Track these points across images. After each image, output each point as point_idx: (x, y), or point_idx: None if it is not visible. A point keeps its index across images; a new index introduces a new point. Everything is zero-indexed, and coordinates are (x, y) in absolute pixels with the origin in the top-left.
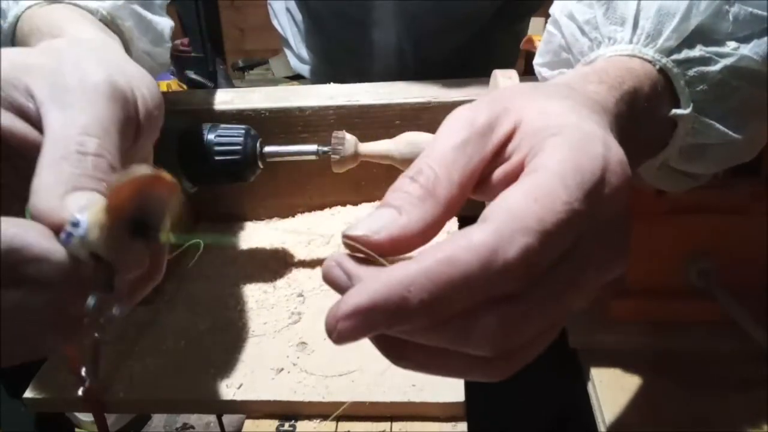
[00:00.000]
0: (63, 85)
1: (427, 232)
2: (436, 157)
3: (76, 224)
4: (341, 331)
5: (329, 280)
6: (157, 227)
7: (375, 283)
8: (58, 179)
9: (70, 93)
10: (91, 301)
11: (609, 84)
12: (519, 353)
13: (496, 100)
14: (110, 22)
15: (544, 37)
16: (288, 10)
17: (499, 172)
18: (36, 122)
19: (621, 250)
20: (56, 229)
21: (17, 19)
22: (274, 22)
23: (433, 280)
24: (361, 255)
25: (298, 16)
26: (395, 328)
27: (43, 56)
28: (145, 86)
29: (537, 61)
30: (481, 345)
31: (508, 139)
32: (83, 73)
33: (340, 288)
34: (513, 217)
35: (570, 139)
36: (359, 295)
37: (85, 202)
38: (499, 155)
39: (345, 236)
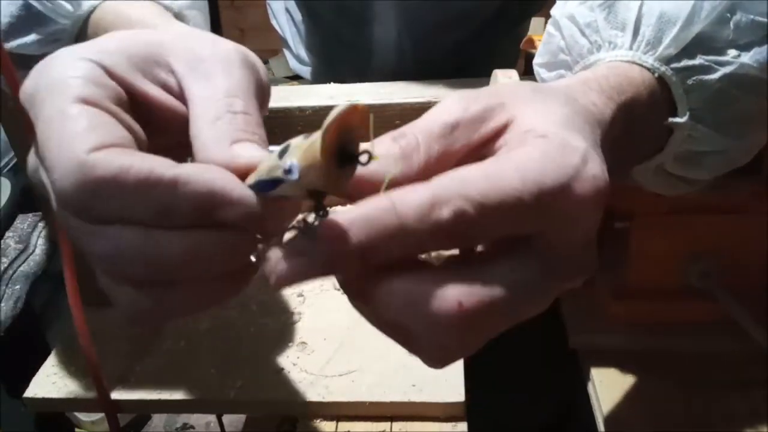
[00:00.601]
0: (199, 58)
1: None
2: (422, 127)
3: (289, 171)
4: (282, 271)
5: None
6: (356, 152)
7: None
8: (220, 135)
9: (206, 63)
10: (315, 222)
11: (608, 94)
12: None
13: (496, 94)
14: (181, 19)
15: (544, 37)
16: (287, 10)
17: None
18: (178, 96)
19: (581, 266)
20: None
21: (93, 8)
22: (273, 22)
23: (371, 225)
24: None
25: (297, 16)
26: (331, 271)
27: (169, 35)
28: (256, 58)
29: (536, 61)
30: (381, 308)
31: (498, 134)
32: (213, 45)
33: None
34: (458, 183)
35: (549, 145)
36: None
37: (257, 152)
38: (485, 147)
39: None
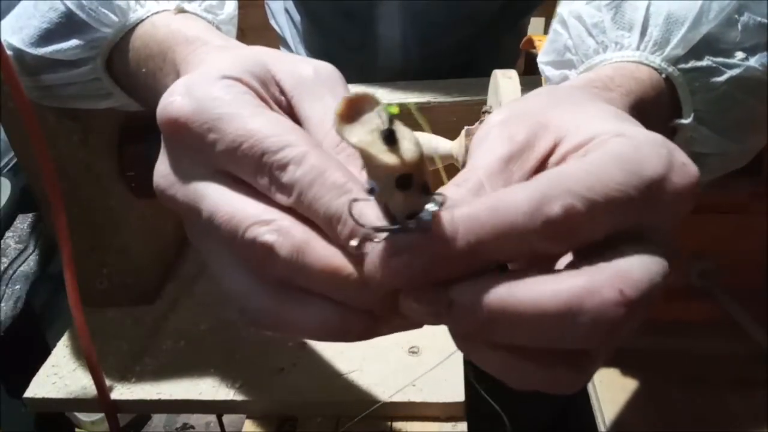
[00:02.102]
0: (304, 77)
1: None
2: (481, 166)
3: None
4: (386, 273)
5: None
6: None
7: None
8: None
9: (312, 83)
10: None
11: (618, 93)
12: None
13: (529, 116)
14: None
15: (550, 35)
16: (286, 10)
17: None
18: (288, 114)
19: (674, 253)
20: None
21: (140, 20)
22: (272, 22)
23: (480, 223)
24: None
25: (297, 17)
26: (438, 272)
27: (268, 54)
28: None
29: (541, 59)
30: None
31: (549, 154)
32: (313, 65)
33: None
34: (561, 180)
35: (633, 140)
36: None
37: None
38: (538, 172)
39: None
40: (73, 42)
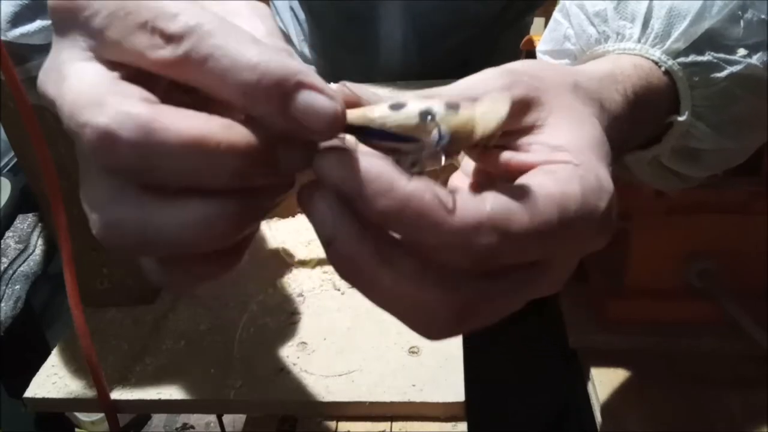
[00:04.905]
0: (234, 6)
1: None
2: (457, 96)
3: (441, 138)
4: (321, 161)
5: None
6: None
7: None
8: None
9: (243, 11)
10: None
11: (626, 90)
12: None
13: (536, 81)
14: None
15: (550, 24)
16: (291, 8)
17: (509, 157)
18: None
19: (561, 283)
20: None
21: None
22: (276, 20)
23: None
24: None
25: (302, 15)
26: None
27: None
28: None
29: (540, 48)
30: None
31: (527, 130)
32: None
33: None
34: (506, 216)
35: (584, 181)
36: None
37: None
38: (510, 135)
39: (343, 83)
40: (38, 24)
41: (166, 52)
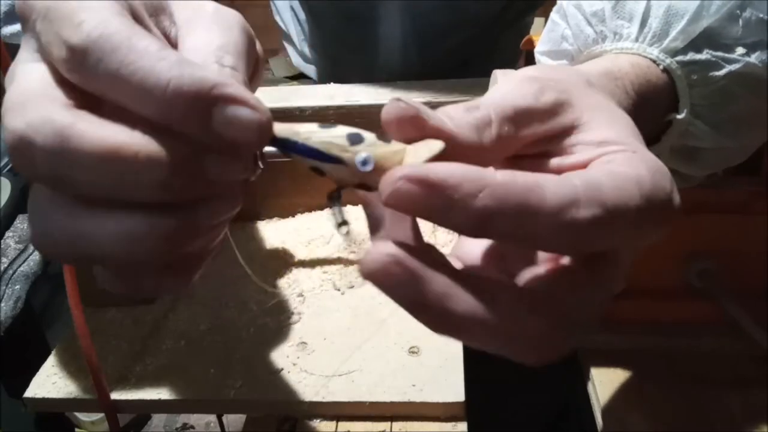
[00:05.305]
0: (200, 15)
1: (458, 157)
2: (496, 104)
3: (364, 162)
4: (398, 189)
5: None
6: None
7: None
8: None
9: (206, 20)
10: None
11: (627, 89)
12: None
13: (562, 85)
14: None
15: (548, 25)
16: (292, 8)
17: (559, 162)
18: (174, 47)
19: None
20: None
21: None
22: (276, 18)
23: (508, 192)
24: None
25: (302, 15)
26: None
27: None
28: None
29: (539, 48)
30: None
31: (565, 132)
32: (218, 7)
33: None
34: (595, 188)
35: (649, 163)
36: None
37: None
38: (548, 141)
39: (397, 98)
40: None
41: (71, 65)
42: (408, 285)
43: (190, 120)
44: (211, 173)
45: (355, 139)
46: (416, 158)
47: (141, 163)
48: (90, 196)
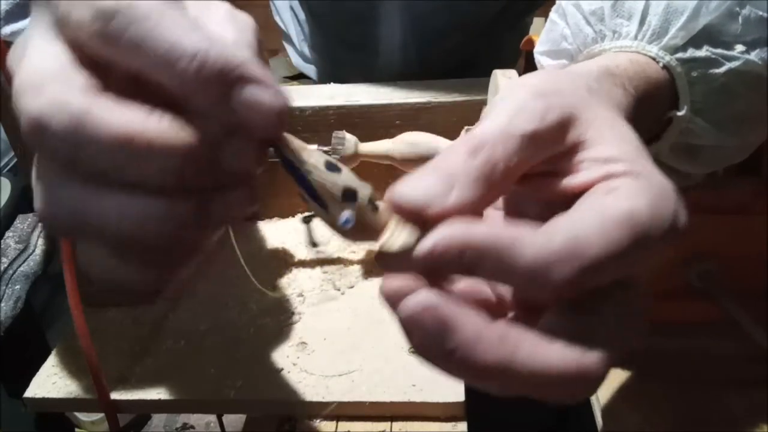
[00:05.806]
0: (214, 11)
1: (465, 212)
2: (501, 137)
3: (345, 222)
4: (435, 246)
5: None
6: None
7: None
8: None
9: (220, 17)
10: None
11: (627, 88)
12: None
13: (565, 99)
14: None
15: (547, 25)
16: (291, 8)
17: (566, 183)
18: None
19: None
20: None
21: None
22: (276, 19)
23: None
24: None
25: (302, 15)
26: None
27: None
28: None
29: (538, 49)
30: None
31: (572, 151)
32: (231, 6)
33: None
34: (577, 244)
35: (650, 191)
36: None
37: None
38: (556, 161)
39: (396, 193)
40: (27, 21)
41: (95, 28)
42: (436, 335)
43: (211, 96)
44: (225, 162)
45: (348, 196)
46: (388, 244)
47: (155, 151)
48: (102, 177)
